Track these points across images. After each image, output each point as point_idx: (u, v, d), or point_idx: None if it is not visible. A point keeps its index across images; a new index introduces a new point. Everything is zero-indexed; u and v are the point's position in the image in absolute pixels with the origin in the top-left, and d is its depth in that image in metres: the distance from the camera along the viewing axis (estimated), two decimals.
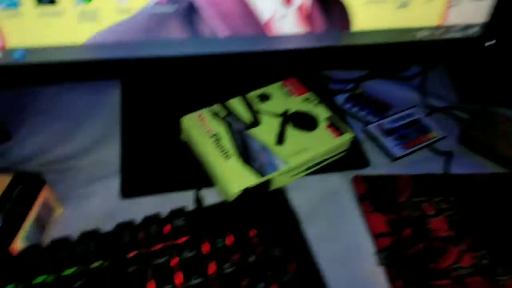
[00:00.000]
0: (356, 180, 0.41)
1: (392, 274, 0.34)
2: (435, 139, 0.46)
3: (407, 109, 0.49)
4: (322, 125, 0.41)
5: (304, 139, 0.40)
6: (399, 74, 0.55)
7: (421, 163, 0.44)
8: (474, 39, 0.42)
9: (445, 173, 0.43)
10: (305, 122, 0.41)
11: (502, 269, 0.34)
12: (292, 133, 0.40)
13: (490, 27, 0.41)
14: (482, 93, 0.53)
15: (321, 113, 0.42)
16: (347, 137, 0.40)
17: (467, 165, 0.44)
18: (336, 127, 0.41)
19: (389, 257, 0.35)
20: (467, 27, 0.41)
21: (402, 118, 0.48)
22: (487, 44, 0.40)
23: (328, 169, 0.42)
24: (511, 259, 0.35)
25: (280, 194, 0.36)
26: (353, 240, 0.37)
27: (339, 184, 0.41)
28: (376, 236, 0.36)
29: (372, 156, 0.44)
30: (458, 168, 0.44)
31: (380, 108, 0.50)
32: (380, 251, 0.35)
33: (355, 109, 0.49)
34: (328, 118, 0.42)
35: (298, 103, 0.43)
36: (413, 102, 0.51)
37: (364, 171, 0.42)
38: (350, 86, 0.52)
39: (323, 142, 0.40)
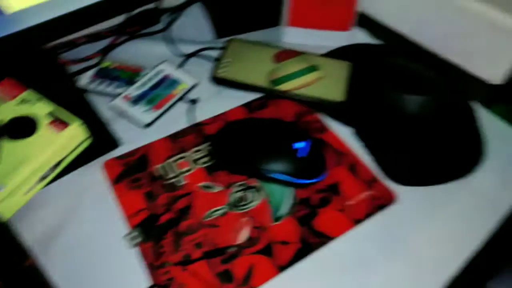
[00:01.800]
0: (107, 165, 0.40)
1: (145, 248, 0.34)
2: (187, 89, 0.46)
3: (155, 68, 0.48)
4: (44, 123, 0.38)
5: (24, 149, 0.36)
6: (152, 29, 0.54)
7: (178, 119, 0.44)
8: None
9: (199, 123, 0.43)
10: (23, 128, 0.37)
11: (251, 195, 0.37)
12: (9, 147, 0.36)
13: None
14: (235, 23, 0.54)
15: (41, 110, 0.39)
16: (73, 127, 0.38)
17: (223, 103, 0.45)
18: (60, 121, 0.38)
19: (143, 232, 0.35)
20: None
21: (151, 79, 0.47)
22: None
23: (75, 166, 0.39)
24: (258, 188, 0.38)
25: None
26: (112, 233, 0.35)
27: (91, 176, 0.39)
28: (131, 216, 0.36)
29: (125, 132, 0.43)
30: (217, 109, 0.45)
31: (131, 76, 0.48)
32: (132, 230, 0.35)
33: (103, 86, 0.46)
34: (50, 114, 0.39)
35: (12, 108, 0.39)
36: (166, 56, 0.50)
37: (118, 151, 0.41)
38: (96, 60, 0.49)
39: (46, 143, 0.37)
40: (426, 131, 0.41)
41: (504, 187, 0.39)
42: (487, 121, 0.44)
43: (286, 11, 0.50)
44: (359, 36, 0.53)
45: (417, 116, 0.42)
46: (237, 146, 0.39)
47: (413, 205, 0.37)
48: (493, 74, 0.47)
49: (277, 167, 0.37)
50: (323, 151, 0.39)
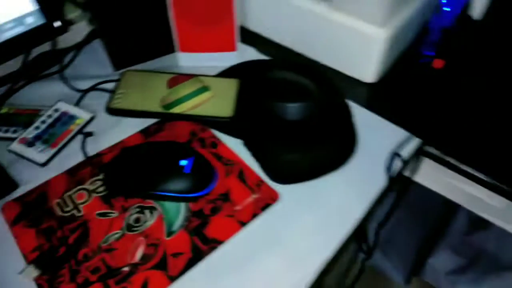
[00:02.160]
0: (4, 208, 0.41)
1: (42, 282, 0.36)
2: (83, 124, 0.48)
3: (51, 107, 0.50)
4: None
5: None
6: (51, 70, 0.56)
7: (76, 154, 0.46)
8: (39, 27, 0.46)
9: (97, 154, 0.46)
10: None
11: (147, 216, 0.40)
12: None
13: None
14: (131, 54, 0.57)
15: None
16: None
17: (121, 132, 0.48)
18: None
19: (39, 266, 0.36)
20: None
21: (47, 119, 0.48)
22: (56, 25, 0.43)
23: None
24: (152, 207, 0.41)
25: None
26: (11, 273, 0.37)
27: None
28: (28, 254, 0.37)
29: (24, 173, 0.44)
30: (116, 138, 0.47)
31: (29, 118, 0.49)
32: (27, 266, 0.36)
33: (1, 132, 0.48)
34: None
35: None
36: (65, 94, 0.52)
37: (18, 193, 0.43)
38: None
39: None
40: (305, 133, 0.46)
41: (373, 173, 0.44)
42: (362, 115, 0.50)
43: (175, 39, 0.54)
44: (249, 54, 0.58)
45: (297, 121, 0.47)
46: (128, 171, 0.42)
47: (293, 201, 0.42)
48: (365, 75, 0.54)
49: (166, 186, 0.40)
50: (207, 165, 0.43)
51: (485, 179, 0.45)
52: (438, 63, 0.51)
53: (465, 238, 1.01)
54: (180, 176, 0.40)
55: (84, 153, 0.46)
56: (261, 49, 0.59)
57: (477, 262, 0.95)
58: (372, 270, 1.16)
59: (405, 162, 0.46)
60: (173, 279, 0.36)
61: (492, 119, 0.49)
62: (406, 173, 0.50)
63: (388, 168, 0.44)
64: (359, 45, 0.50)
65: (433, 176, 0.51)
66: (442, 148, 0.47)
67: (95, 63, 0.58)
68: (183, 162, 0.40)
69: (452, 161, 0.46)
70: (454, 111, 0.51)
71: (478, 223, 0.96)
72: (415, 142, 0.47)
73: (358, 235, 0.43)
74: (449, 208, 1.02)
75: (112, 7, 0.52)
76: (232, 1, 0.51)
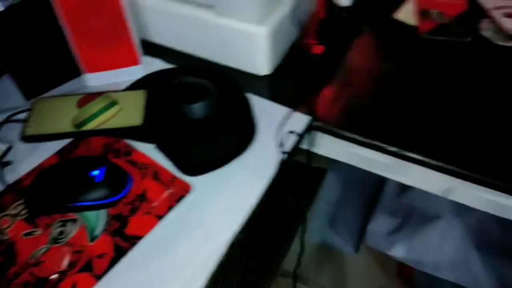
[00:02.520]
0: None
1: None
2: (0, 155, 0.51)
3: None
4: None
5: None
6: None
7: None
8: None
9: (17, 181, 0.48)
10: None
11: (70, 227, 0.44)
12: None
13: None
14: (40, 83, 0.59)
15: None
16: None
17: (39, 157, 0.51)
18: None
19: None
20: None
21: None
22: None
23: None
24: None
25: None
26: None
27: None
28: None
29: None
30: (34, 163, 0.50)
31: None
32: None
33: None
34: None
35: None
36: None
37: None
38: None
39: None
40: (209, 128, 0.52)
41: (271, 153, 0.51)
42: (260, 104, 0.56)
43: (79, 61, 0.58)
44: (155, 65, 0.63)
45: (201, 118, 0.52)
46: (46, 190, 0.45)
47: (204, 189, 0.47)
48: (260, 69, 0.60)
49: (81, 198, 0.44)
50: (120, 171, 0.47)
51: (370, 142, 0.53)
52: (318, 49, 0.59)
53: (397, 200, 1.12)
54: (92, 186, 0.44)
55: (3, 181, 0.48)
56: (166, 59, 0.65)
57: (409, 219, 1.06)
58: (324, 247, 1.25)
59: (300, 136, 0.53)
60: (99, 277, 0.40)
61: (364, 91, 0.58)
62: (305, 147, 0.58)
63: (281, 144, 0.51)
64: (247, 44, 0.57)
65: (330, 147, 0.59)
66: (328, 121, 0.55)
67: (7, 96, 0.60)
68: (95, 172, 0.45)
69: (339, 130, 0.54)
70: (337, 88, 0.59)
71: (405, 184, 1.07)
72: (306, 119, 0.55)
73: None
74: (380, 176, 1.12)
75: (11, 42, 0.55)
76: (125, 19, 0.56)
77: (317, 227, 1.31)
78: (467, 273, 0.99)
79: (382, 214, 1.12)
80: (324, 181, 1.27)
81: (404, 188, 1.15)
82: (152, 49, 0.66)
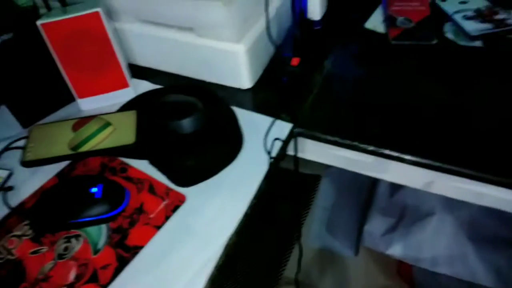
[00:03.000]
0: None
1: None
2: (2, 181, 0.55)
3: None
4: None
5: None
6: None
7: (2, 208, 0.52)
8: None
9: (21, 203, 0.52)
10: None
11: (74, 243, 0.48)
12: None
13: None
14: (35, 111, 0.64)
15: None
16: None
17: (39, 180, 0.55)
18: None
19: None
20: None
21: None
22: None
23: None
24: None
25: None
26: None
27: None
28: None
29: None
30: (35, 186, 0.54)
31: None
32: None
33: None
34: None
35: None
36: None
37: None
38: None
39: None
40: (199, 141, 0.56)
41: (258, 159, 0.55)
42: (245, 116, 0.61)
43: (71, 88, 0.63)
44: (143, 86, 0.68)
45: (191, 132, 0.57)
46: (49, 210, 0.49)
47: (198, 198, 0.52)
48: (242, 83, 0.65)
49: (83, 214, 0.48)
50: (117, 187, 0.51)
51: (349, 143, 0.58)
52: (294, 61, 0.64)
53: (389, 200, 1.16)
54: (93, 202, 0.48)
55: (7, 205, 0.52)
56: (153, 80, 0.70)
57: (403, 218, 1.10)
58: (325, 252, 1.28)
59: (284, 142, 0.58)
60: (104, 287, 0.44)
61: (341, 97, 0.64)
62: (291, 153, 0.62)
63: (269, 151, 0.56)
64: (228, 61, 0.62)
65: (314, 151, 0.63)
66: (308, 127, 0.59)
67: (5, 126, 0.65)
68: (94, 190, 0.49)
69: (319, 134, 0.59)
70: (315, 95, 0.64)
71: (396, 184, 1.12)
72: (289, 127, 0.60)
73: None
74: (371, 178, 1.17)
75: (5, 75, 0.60)
76: (112, 46, 0.61)
77: (315, 233, 1.35)
78: (464, 266, 1.03)
79: (376, 215, 1.16)
80: (318, 187, 1.31)
81: (395, 188, 1.19)
82: (139, 71, 0.71)
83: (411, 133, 0.58)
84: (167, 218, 0.50)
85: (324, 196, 1.39)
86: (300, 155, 0.63)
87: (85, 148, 0.57)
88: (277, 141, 0.57)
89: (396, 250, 1.07)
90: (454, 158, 0.54)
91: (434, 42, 0.69)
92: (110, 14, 0.66)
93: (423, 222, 1.05)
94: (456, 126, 0.58)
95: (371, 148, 0.57)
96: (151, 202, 0.52)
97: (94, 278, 0.45)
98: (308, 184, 1.40)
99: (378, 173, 0.63)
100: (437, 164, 0.55)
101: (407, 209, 1.10)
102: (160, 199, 0.52)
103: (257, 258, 1.07)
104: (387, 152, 0.56)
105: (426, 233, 1.05)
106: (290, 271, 1.16)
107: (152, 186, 0.53)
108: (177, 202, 0.51)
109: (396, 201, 1.14)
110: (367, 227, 1.14)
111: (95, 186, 0.50)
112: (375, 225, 1.13)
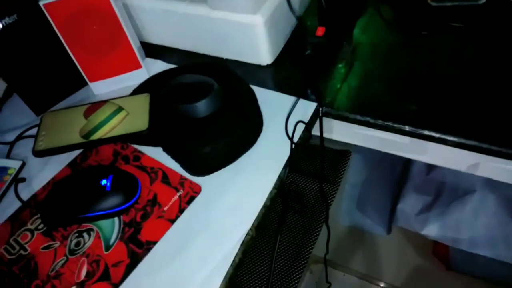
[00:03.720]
0: None
1: None
2: (15, 172, 0.53)
3: None
4: None
5: None
6: None
7: (14, 201, 0.50)
8: None
9: (33, 195, 0.50)
10: None
11: (86, 238, 0.45)
12: None
13: None
14: (47, 97, 0.61)
15: None
16: None
17: (52, 170, 0.52)
18: None
19: None
20: None
21: None
22: None
23: None
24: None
25: None
26: None
27: None
28: None
29: None
30: (48, 176, 0.51)
31: None
32: None
33: None
34: None
35: None
36: None
37: None
38: None
39: None
40: (216, 125, 0.51)
41: (280, 144, 0.49)
42: (265, 95, 0.55)
43: (81, 71, 0.59)
44: (158, 66, 0.63)
45: (207, 116, 0.52)
46: (60, 203, 0.46)
47: (214, 188, 0.47)
48: (262, 59, 0.58)
49: (94, 207, 0.45)
50: (128, 177, 0.47)
51: (382, 123, 0.51)
52: (320, 31, 0.56)
53: (426, 177, 1.08)
54: (104, 195, 0.45)
55: (19, 198, 0.50)
56: (168, 59, 0.64)
57: (440, 196, 1.02)
58: (355, 230, 1.23)
59: (308, 125, 0.51)
60: (116, 286, 0.41)
61: (373, 70, 0.55)
62: (317, 133, 0.56)
63: (291, 136, 0.49)
64: (245, 34, 0.55)
65: (342, 131, 0.57)
66: (335, 106, 0.52)
67: (19, 113, 0.62)
68: (104, 182, 0.45)
69: (348, 114, 0.52)
70: (343, 70, 0.56)
71: None
72: (314, 106, 0.53)
73: None
74: None
75: (12, 61, 0.56)
76: (121, 24, 0.56)
77: (345, 210, 1.29)
78: (507, 248, 0.95)
79: (411, 192, 1.08)
80: (348, 163, 1.25)
81: (431, 165, 1.11)
82: (153, 50, 0.66)
83: (454, 110, 0.49)
84: (181, 211, 0.46)
85: (355, 172, 1.32)
86: (326, 135, 0.57)
87: (97, 135, 0.53)
88: (300, 123, 0.51)
89: (432, 230, 1.00)
90: (504, 138, 0.46)
91: (483, 1, 0.59)
92: None
93: (462, 200, 0.97)
94: (507, 101, 0.49)
95: (407, 128, 0.49)
96: (165, 193, 0.47)
97: (106, 276, 0.42)
98: (337, 160, 1.34)
99: (415, 154, 0.56)
100: (485, 146, 0.47)
101: (445, 187, 1.02)
102: (174, 190, 0.47)
103: (284, 236, 1.03)
104: (426, 133, 0.49)
105: (465, 213, 0.97)
106: (319, 250, 1.12)
107: (166, 176, 0.49)
108: (192, 193, 0.47)
109: (432, 178, 1.06)
110: (401, 206, 1.06)
111: (105, 178, 0.46)
112: (410, 204, 1.06)
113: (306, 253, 1.01)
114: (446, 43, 0.57)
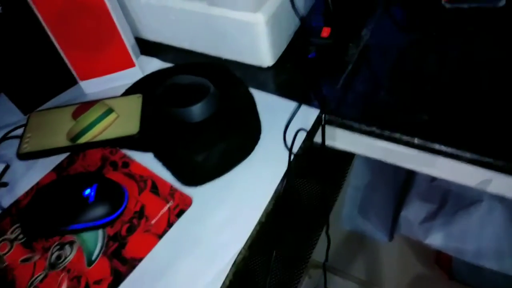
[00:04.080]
0: None
1: None
2: None
3: None
4: None
5: None
6: None
7: None
8: None
9: (16, 201, 0.46)
10: None
11: (68, 251, 0.41)
12: None
13: None
14: (35, 95, 0.57)
15: None
16: None
17: (37, 174, 0.48)
18: None
19: None
20: None
21: None
22: None
23: None
24: None
25: None
26: None
27: None
28: None
29: None
30: (32, 181, 0.48)
31: None
32: None
33: None
34: None
35: None
36: None
37: None
38: None
39: None
40: (211, 131, 0.47)
41: (278, 153, 0.45)
42: (265, 100, 0.51)
43: (71, 69, 0.55)
44: (153, 64, 0.59)
45: (202, 120, 0.48)
46: (41, 213, 0.43)
47: (206, 201, 0.43)
48: (262, 60, 0.54)
49: (77, 220, 0.41)
50: (114, 187, 0.44)
51: (389, 135, 0.47)
52: (325, 32, 0.52)
53: (430, 184, 1.04)
54: (87, 206, 0.41)
55: (5, 203, 0.47)
56: (164, 58, 0.60)
57: (445, 205, 0.98)
58: (356, 236, 1.19)
59: (309, 133, 0.48)
60: None
61: (381, 76, 0.51)
62: (318, 141, 0.52)
63: (290, 146, 0.45)
64: (245, 33, 0.51)
65: (346, 140, 0.53)
66: (340, 113, 0.48)
67: (6, 112, 0.58)
68: (88, 191, 0.42)
69: (353, 123, 0.48)
70: (349, 75, 0.52)
71: None
72: (317, 113, 0.49)
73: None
74: None
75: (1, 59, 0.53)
76: (113, 20, 0.52)
77: (347, 214, 1.25)
78: None
79: (415, 199, 1.05)
80: (351, 165, 1.21)
81: None
82: (149, 47, 0.62)
83: (468, 121, 0.45)
84: (170, 225, 0.42)
85: (358, 174, 1.28)
86: (328, 143, 0.53)
87: (84, 138, 0.49)
88: (301, 131, 0.48)
89: (436, 239, 0.96)
90: None
91: (502, 4, 0.54)
92: None
93: (468, 210, 0.93)
94: None
95: (417, 141, 0.45)
96: (154, 205, 0.44)
97: None
98: (340, 161, 1.30)
99: (423, 167, 0.52)
100: (500, 163, 0.43)
101: (450, 195, 0.98)
102: (164, 201, 0.44)
103: (283, 240, 1.00)
104: (437, 147, 0.45)
105: (471, 223, 0.93)
106: (319, 254, 1.09)
107: (155, 185, 0.45)
108: (182, 206, 0.43)
109: (438, 185, 1.02)
110: (404, 213, 1.03)
111: (90, 187, 0.43)
112: (413, 211, 1.02)
113: (305, 259, 0.98)
114: (462, 48, 0.53)
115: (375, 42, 0.56)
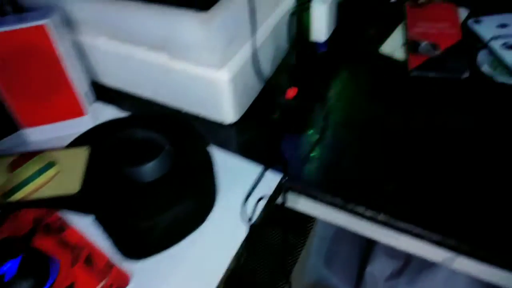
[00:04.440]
0: None
1: None
2: None
3: None
4: None
5: None
6: None
7: None
8: None
9: None
10: None
11: None
12: None
13: None
14: None
15: None
16: None
17: None
18: None
19: None
20: None
21: None
22: None
23: None
24: None
25: None
26: None
27: None
28: None
29: None
30: None
31: None
32: None
33: None
34: None
35: None
36: None
37: None
38: None
39: None
40: (159, 195, 0.42)
41: (235, 223, 0.41)
42: (224, 159, 0.47)
43: (14, 115, 0.50)
44: (107, 113, 0.55)
45: (152, 181, 0.43)
46: None
47: (149, 278, 0.38)
48: (225, 116, 0.51)
49: None
50: (42, 260, 0.38)
51: (353, 208, 0.44)
52: (290, 93, 0.50)
53: None
54: (5, 286, 0.35)
55: None
56: (121, 105, 0.56)
57: (410, 262, 0.96)
58: (320, 287, 1.14)
59: (270, 200, 0.44)
60: None
61: (347, 143, 0.49)
62: (280, 203, 0.48)
63: (251, 215, 0.41)
64: (208, 90, 0.48)
65: (308, 205, 0.49)
66: (303, 180, 0.45)
67: None
68: (6, 267, 0.35)
69: (317, 193, 0.45)
70: (314, 139, 0.50)
71: None
72: (278, 178, 0.46)
73: None
74: None
75: None
76: (64, 67, 0.47)
77: (312, 265, 1.21)
78: None
79: (381, 255, 1.01)
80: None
81: None
82: (106, 93, 0.58)
83: (434, 201, 0.42)
84: None
85: (325, 224, 1.25)
86: (290, 204, 0.50)
87: (18, 196, 0.43)
88: (261, 201, 0.44)
89: None
90: (489, 239, 0.39)
91: (466, 75, 0.54)
92: (71, 25, 0.53)
93: (433, 269, 0.91)
94: (495, 193, 0.43)
95: (382, 218, 0.42)
96: (86, 282, 0.37)
97: None
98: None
99: (387, 240, 0.49)
100: (465, 247, 0.40)
101: None
102: (98, 277, 0.37)
103: None
104: (402, 225, 0.42)
105: (435, 282, 0.91)
106: None
107: (90, 257, 0.39)
108: (117, 284, 0.38)
109: None
110: (370, 269, 0.99)
111: (13, 258, 0.36)
112: (379, 267, 0.99)
113: None
114: (427, 118, 0.51)
115: (341, 106, 0.54)
